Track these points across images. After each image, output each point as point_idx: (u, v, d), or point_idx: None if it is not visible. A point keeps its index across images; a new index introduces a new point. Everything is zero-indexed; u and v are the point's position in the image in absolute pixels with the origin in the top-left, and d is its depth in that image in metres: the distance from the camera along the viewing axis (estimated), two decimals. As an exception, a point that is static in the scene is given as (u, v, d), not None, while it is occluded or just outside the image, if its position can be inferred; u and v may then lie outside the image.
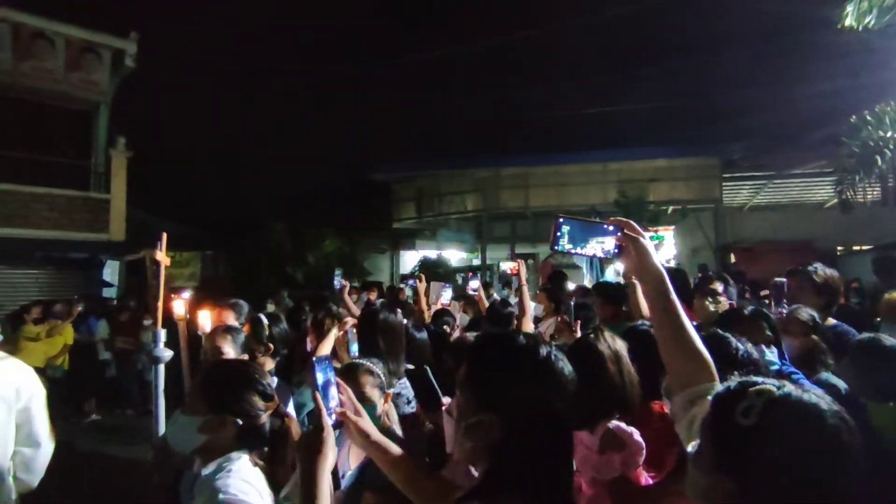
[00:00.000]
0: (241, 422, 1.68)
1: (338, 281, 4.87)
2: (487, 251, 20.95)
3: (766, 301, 4.65)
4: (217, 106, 29.23)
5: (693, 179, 19.14)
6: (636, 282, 3.40)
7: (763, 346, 2.35)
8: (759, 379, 1.05)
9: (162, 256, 3.35)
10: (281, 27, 37.49)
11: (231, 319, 3.96)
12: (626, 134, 23.96)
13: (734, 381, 1.07)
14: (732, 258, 15.14)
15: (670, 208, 19.31)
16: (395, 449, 1.48)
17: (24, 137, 12.21)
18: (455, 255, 22.67)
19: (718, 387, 1.30)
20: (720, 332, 1.82)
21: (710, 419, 1.05)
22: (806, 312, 3.00)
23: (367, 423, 1.49)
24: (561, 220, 1.43)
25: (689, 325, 1.34)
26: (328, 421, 1.37)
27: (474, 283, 5.56)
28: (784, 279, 3.63)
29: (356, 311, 4.71)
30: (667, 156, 19.24)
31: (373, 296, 8.78)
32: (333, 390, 1.48)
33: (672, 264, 16.76)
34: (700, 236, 16.62)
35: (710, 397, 1.27)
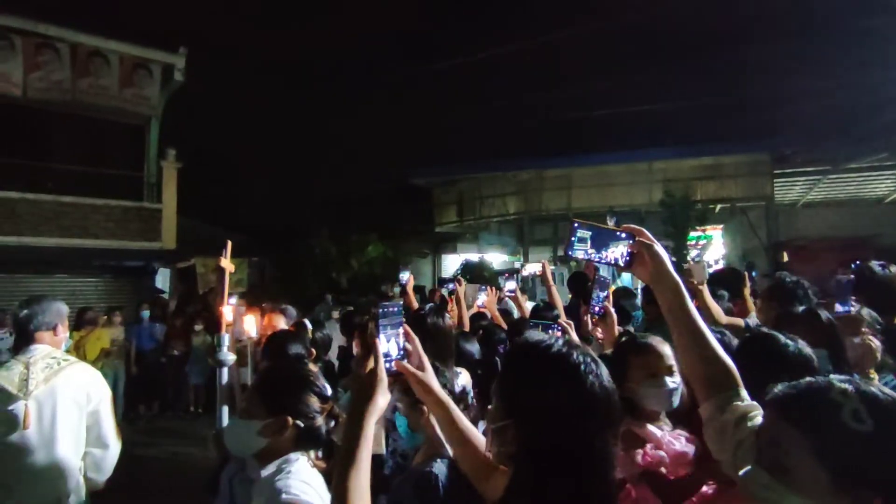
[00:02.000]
0: (301, 423, 1.70)
1: (404, 276, 4.89)
2: (529, 254, 20.79)
3: (822, 301, 4.46)
4: (261, 115, 29.97)
5: (742, 176, 18.50)
6: (702, 287, 3.31)
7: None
8: (817, 379, 0.99)
9: (226, 263, 3.44)
10: (321, 35, 38.19)
11: (281, 324, 4.06)
12: (671, 131, 23.43)
13: (787, 385, 1.01)
14: (785, 257, 14.59)
15: (718, 207, 18.73)
16: (455, 408, 1.50)
17: (82, 152, 12.82)
18: (497, 259, 22.57)
19: (744, 392, 1.25)
20: (766, 329, 1.74)
21: (806, 433, 0.94)
22: (868, 312, 2.84)
23: (430, 378, 1.48)
24: (576, 224, 1.41)
25: (708, 332, 1.31)
26: (383, 367, 1.37)
27: (510, 285, 5.49)
28: (848, 276, 3.46)
29: (415, 305, 4.70)
30: (714, 153, 18.62)
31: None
32: (395, 342, 1.46)
33: (721, 264, 16.30)
34: (750, 235, 16.10)
35: (738, 403, 1.22)
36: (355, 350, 4.09)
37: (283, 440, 1.69)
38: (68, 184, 12.15)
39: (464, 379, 2.66)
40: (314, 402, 1.77)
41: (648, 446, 1.70)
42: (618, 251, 1.38)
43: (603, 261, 1.41)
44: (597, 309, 2.88)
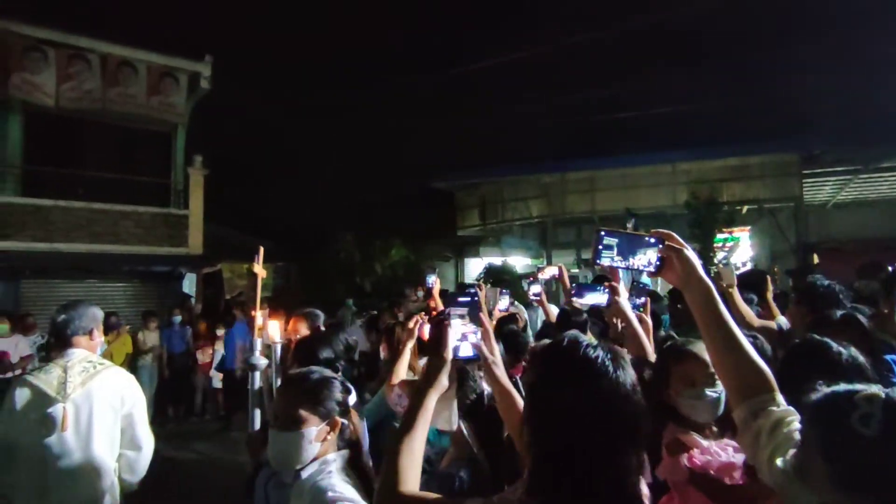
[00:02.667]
0: (346, 423, 1.71)
1: (430, 279, 4.92)
2: (553, 257, 20.67)
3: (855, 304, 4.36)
4: (285, 121, 30.31)
5: (770, 177, 18.14)
6: (732, 290, 3.25)
7: None
8: (859, 386, 0.98)
9: (259, 269, 3.49)
10: (344, 41, 38.56)
11: (303, 329, 4.09)
12: (696, 132, 23.09)
13: (828, 388, 1.01)
14: (815, 259, 14.26)
15: (745, 208, 18.42)
16: (518, 398, 1.57)
17: (112, 159, 13.06)
18: (520, 262, 22.49)
19: (780, 398, 1.23)
20: (817, 337, 1.70)
21: (817, 433, 0.98)
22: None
23: (498, 365, 1.60)
24: (603, 233, 1.40)
25: (741, 336, 1.29)
26: (450, 354, 1.47)
27: (535, 289, 5.47)
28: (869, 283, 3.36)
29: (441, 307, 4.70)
30: (740, 153, 18.28)
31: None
32: (466, 329, 1.54)
33: (748, 266, 16.02)
34: (779, 237, 15.78)
35: (773, 408, 1.20)
36: (382, 353, 4.11)
37: (328, 442, 1.71)
38: (99, 191, 12.41)
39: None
40: (344, 399, 1.80)
41: (695, 451, 1.67)
42: (647, 257, 1.37)
43: (630, 268, 1.40)
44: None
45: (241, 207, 21.17)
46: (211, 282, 15.61)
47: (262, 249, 3.67)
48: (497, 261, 21.55)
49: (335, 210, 23.69)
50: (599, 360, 1.14)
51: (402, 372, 2.92)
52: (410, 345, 2.91)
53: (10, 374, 6.85)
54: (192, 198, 13.52)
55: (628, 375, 1.15)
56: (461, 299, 1.54)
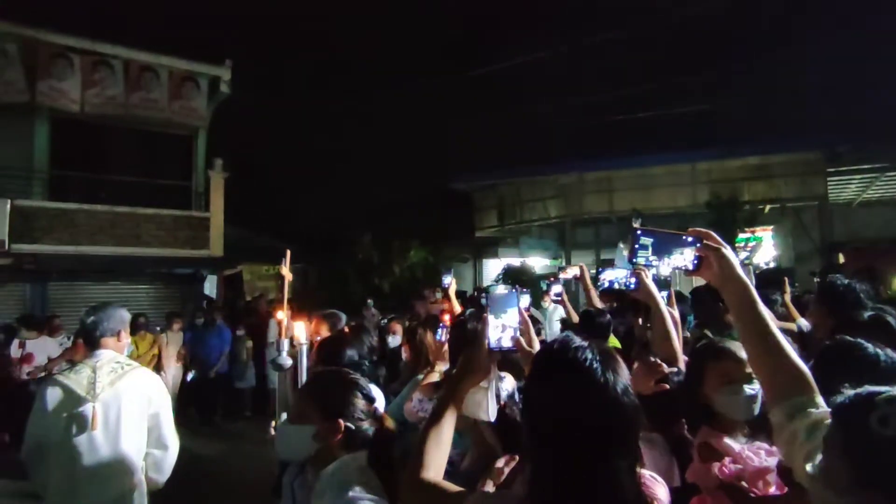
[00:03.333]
0: (351, 426, 1.73)
1: (446, 279, 4.92)
2: (572, 257, 20.56)
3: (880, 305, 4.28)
4: (303, 123, 30.55)
5: (793, 176, 17.82)
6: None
7: None
8: (884, 388, 0.98)
9: (286, 271, 3.56)
10: (362, 43, 38.74)
11: (324, 331, 4.12)
12: (716, 132, 22.77)
13: (854, 390, 1.01)
14: (841, 258, 13.99)
15: (768, 207, 18.15)
16: None
17: (135, 163, 13.31)
18: (538, 263, 22.41)
19: (819, 399, 1.22)
20: (850, 338, 1.67)
21: (839, 433, 0.99)
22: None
23: None
24: (639, 232, 1.40)
25: (780, 335, 1.27)
26: (486, 345, 1.52)
27: (556, 289, 5.42)
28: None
29: (458, 309, 4.71)
30: (762, 152, 18.02)
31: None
32: (505, 322, 1.58)
33: (772, 266, 15.78)
34: (802, 236, 15.52)
35: (812, 410, 1.19)
36: (404, 355, 4.12)
37: (335, 443, 1.72)
38: (122, 194, 12.62)
39: (508, 383, 2.65)
40: (362, 404, 1.80)
41: (727, 460, 1.64)
42: (683, 256, 1.36)
43: (667, 267, 1.39)
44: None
45: (260, 209, 21.39)
46: (231, 284, 15.78)
47: (289, 252, 3.72)
48: (515, 262, 21.49)
49: (353, 212, 23.85)
50: (588, 361, 1.14)
51: (434, 374, 2.94)
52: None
53: (41, 376, 7.00)
54: (213, 200, 13.69)
55: (619, 377, 1.14)
56: (498, 292, 1.58)
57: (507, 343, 1.56)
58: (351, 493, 1.55)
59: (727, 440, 1.70)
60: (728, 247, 1.35)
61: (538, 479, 1.13)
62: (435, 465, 1.39)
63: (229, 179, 13.97)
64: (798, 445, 1.17)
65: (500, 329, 1.55)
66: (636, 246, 1.39)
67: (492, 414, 1.87)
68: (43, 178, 12.09)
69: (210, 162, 13.90)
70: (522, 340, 1.60)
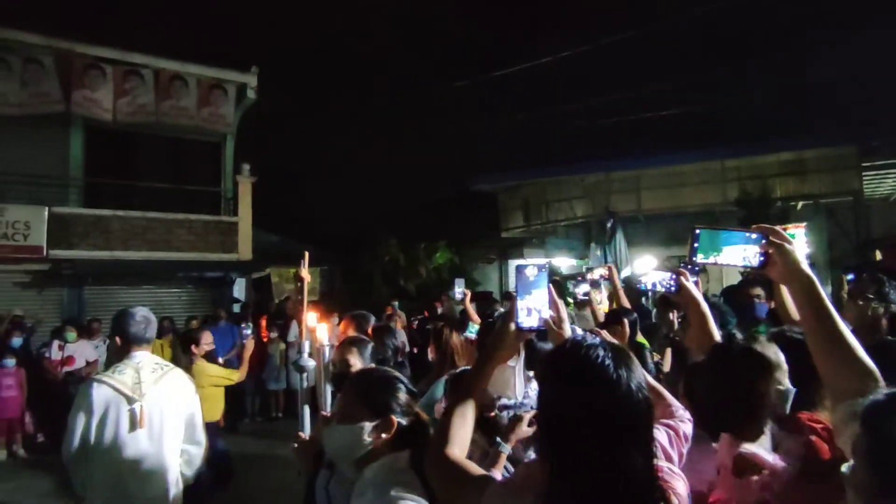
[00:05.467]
0: (403, 422, 1.74)
1: (459, 291, 4.93)
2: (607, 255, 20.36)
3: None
4: (329, 127, 30.84)
5: (826, 171, 17.39)
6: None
7: None
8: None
9: (305, 273, 3.61)
10: (385, 46, 38.98)
11: (352, 331, 4.15)
12: (745, 127, 22.36)
13: (884, 392, 1.00)
14: (878, 255, 13.59)
15: (800, 204, 17.74)
16: None
17: (165, 170, 13.61)
18: (565, 263, 22.27)
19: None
20: (891, 338, 1.63)
21: (863, 438, 0.97)
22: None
23: (565, 332, 1.63)
24: (697, 231, 1.38)
25: (847, 331, 1.24)
26: (514, 324, 1.52)
27: (583, 288, 5.40)
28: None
29: (477, 319, 4.74)
30: (794, 148, 17.61)
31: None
32: (534, 302, 1.56)
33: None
34: (837, 232, 15.12)
35: None
36: (430, 356, 4.14)
37: (385, 440, 1.73)
38: (153, 200, 12.91)
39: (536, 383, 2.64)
40: (406, 399, 1.82)
41: (765, 472, 1.59)
42: (745, 253, 1.34)
43: (727, 264, 1.38)
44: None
45: (287, 213, 21.64)
46: (260, 287, 16.00)
47: (307, 254, 3.76)
48: (542, 262, 21.37)
49: (379, 214, 23.97)
50: (600, 359, 1.14)
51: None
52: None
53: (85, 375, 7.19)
54: (241, 205, 13.90)
55: (633, 373, 1.14)
56: (528, 272, 1.57)
57: (532, 322, 1.55)
58: (393, 492, 1.56)
59: (758, 450, 1.63)
60: (792, 242, 1.33)
61: (555, 475, 1.13)
62: (460, 440, 1.41)
63: (256, 184, 14.18)
64: None
65: (528, 309, 1.54)
66: (695, 245, 1.37)
67: (519, 392, 1.87)
68: (78, 186, 12.42)
69: (238, 167, 14.12)
70: (551, 322, 1.58)
